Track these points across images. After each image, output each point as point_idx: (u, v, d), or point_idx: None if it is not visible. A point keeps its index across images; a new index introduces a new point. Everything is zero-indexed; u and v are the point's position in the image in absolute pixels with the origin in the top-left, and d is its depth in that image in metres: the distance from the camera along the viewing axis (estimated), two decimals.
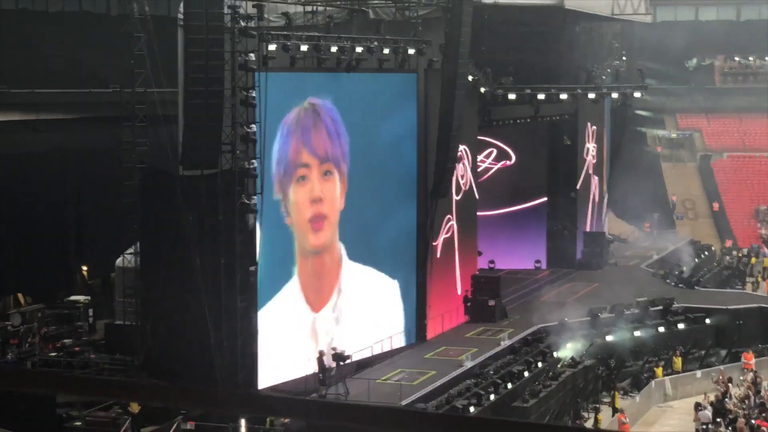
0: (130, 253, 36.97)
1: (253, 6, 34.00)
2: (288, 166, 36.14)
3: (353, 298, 39.11)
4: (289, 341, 35.98)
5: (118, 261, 39.40)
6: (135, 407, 33.45)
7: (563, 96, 51.99)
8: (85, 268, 47.12)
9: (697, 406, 37.64)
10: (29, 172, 45.35)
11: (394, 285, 41.22)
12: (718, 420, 36.73)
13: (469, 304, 45.55)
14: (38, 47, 46.83)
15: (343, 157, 38.38)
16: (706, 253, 63.74)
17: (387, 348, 40.19)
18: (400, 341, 41.06)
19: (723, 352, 46.01)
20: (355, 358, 37.43)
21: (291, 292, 36.47)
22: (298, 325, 36.82)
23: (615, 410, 38.42)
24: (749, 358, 43.40)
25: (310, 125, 36.98)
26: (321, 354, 35.46)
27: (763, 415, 35.63)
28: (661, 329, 45.56)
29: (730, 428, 35.82)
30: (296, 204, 36.65)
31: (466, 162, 46.73)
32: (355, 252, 39.18)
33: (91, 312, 43.00)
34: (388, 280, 40.95)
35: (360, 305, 39.46)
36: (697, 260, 60.63)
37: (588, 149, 59.57)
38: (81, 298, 43.78)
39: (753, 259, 64.29)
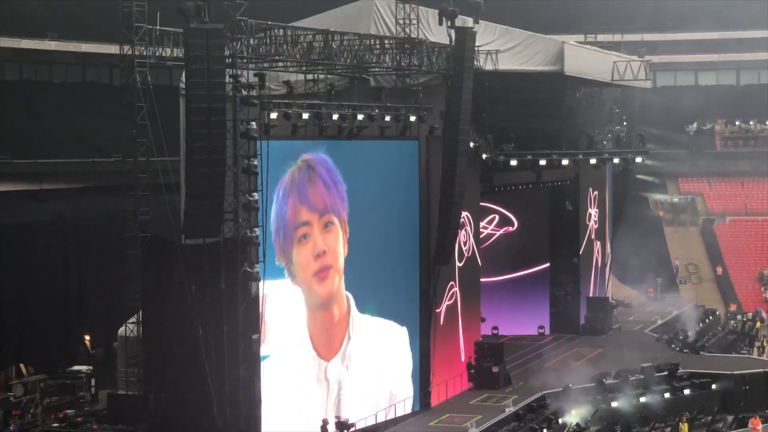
0: (133, 323, 36.83)
1: (255, 75, 34.14)
2: (287, 230, 36.16)
3: (363, 346, 39.36)
4: (297, 399, 35.80)
5: (121, 330, 39.25)
6: None
7: (565, 161, 52.10)
8: (87, 337, 46.97)
9: None
10: (32, 241, 45.40)
11: (404, 331, 41.28)
12: None
13: (472, 370, 45.33)
14: (41, 117, 47.14)
15: (342, 203, 38.41)
16: (711, 317, 63.52)
17: (391, 416, 39.95)
18: (404, 409, 40.80)
19: (730, 418, 45.66)
20: (359, 426, 37.17)
21: (301, 349, 36.79)
22: (309, 376, 37.08)
23: None
24: (756, 424, 43.06)
25: (305, 181, 36.95)
26: (324, 422, 35.23)
27: None
28: (667, 395, 45.29)
29: None
30: (300, 264, 36.72)
31: (468, 228, 46.74)
32: (363, 303, 39.38)
33: (93, 382, 42.78)
34: (397, 327, 40.97)
35: (370, 353, 39.72)
36: (701, 325, 60.40)
37: (590, 214, 59.61)
38: (83, 368, 43.59)
39: (758, 324, 64.03)
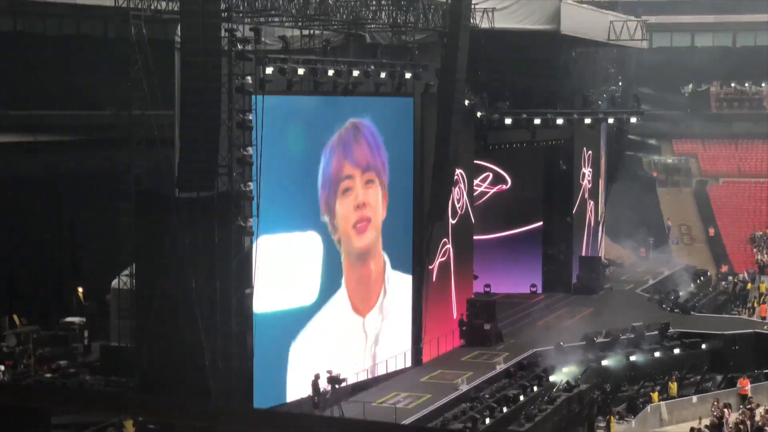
0: (126, 275, 36.94)
1: (251, 29, 34.08)
2: (332, 184, 37.93)
3: (396, 302, 41.63)
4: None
5: (114, 283, 39.34)
6: (130, 429, 33.36)
7: (559, 121, 52.12)
8: (80, 289, 47.04)
9: (692, 431, 37.59)
10: (25, 193, 45.34)
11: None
12: None
13: (464, 327, 45.53)
14: (36, 69, 46.92)
15: (383, 168, 40.35)
16: (702, 278, 63.75)
17: (382, 371, 40.18)
18: (395, 364, 41.02)
19: (719, 378, 45.97)
20: (351, 381, 37.40)
21: (340, 300, 38.69)
22: (347, 327, 39.17)
23: None
24: (745, 384, 43.36)
25: (351, 140, 38.80)
26: (316, 377, 35.43)
27: None
28: (657, 354, 45.55)
29: None
30: (342, 216, 38.53)
31: (462, 186, 46.79)
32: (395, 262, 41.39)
33: (86, 334, 42.91)
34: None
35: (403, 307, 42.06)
36: (692, 285, 60.63)
37: (584, 174, 59.67)
38: (76, 319, 43.68)
39: (749, 285, 64.29)
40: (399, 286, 41.69)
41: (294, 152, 36.56)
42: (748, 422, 38.10)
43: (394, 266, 41.28)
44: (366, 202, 39.47)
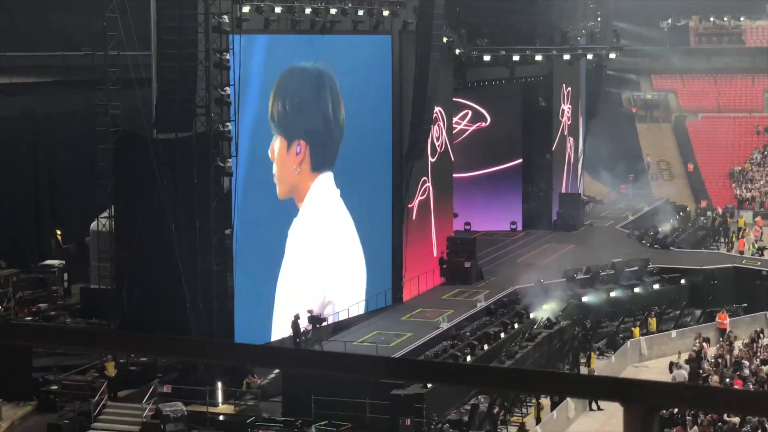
0: (105, 217, 36.80)
1: None
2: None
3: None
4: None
5: (93, 225, 39.20)
6: (111, 370, 33.42)
7: (538, 57, 51.91)
8: (59, 232, 46.87)
9: (672, 366, 37.83)
10: (1, 136, 45.00)
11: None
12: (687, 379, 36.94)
13: (444, 265, 45.60)
14: (9, 10, 46.37)
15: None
16: (681, 213, 63.97)
17: (363, 310, 40.26)
18: (376, 303, 41.09)
19: (698, 312, 46.22)
20: (331, 320, 37.47)
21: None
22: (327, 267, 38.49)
23: (590, 371, 38.59)
24: (723, 318, 43.61)
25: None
26: (296, 317, 35.47)
27: (738, 374, 35.84)
28: (637, 290, 45.75)
29: None
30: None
31: (441, 124, 46.66)
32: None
33: (66, 276, 42.81)
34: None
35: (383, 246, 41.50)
36: (672, 221, 60.83)
37: (563, 110, 59.59)
38: (56, 262, 43.55)
39: (728, 219, 64.56)
40: (377, 225, 41.45)
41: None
42: (727, 356, 38.37)
43: (373, 206, 40.83)
44: None
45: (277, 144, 36.96)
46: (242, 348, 3.64)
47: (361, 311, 40.23)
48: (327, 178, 39.36)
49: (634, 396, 3.15)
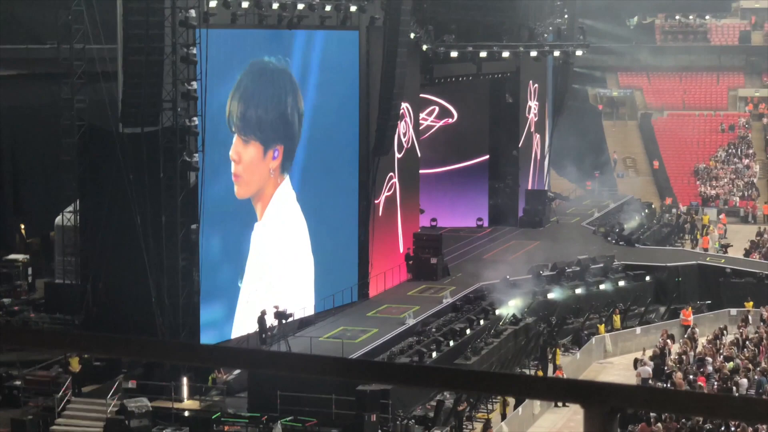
0: (70, 212, 36.60)
1: None
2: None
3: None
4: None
5: (58, 219, 38.98)
6: (76, 366, 33.25)
7: (505, 54, 51.95)
8: (23, 226, 46.60)
9: (636, 362, 38.03)
10: None
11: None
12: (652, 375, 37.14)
13: (411, 262, 45.64)
14: None
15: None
16: (647, 210, 64.31)
17: (329, 306, 40.21)
18: (342, 299, 41.07)
19: (662, 309, 46.50)
20: (297, 316, 37.43)
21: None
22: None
23: (555, 367, 38.75)
24: (687, 315, 43.89)
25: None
26: (263, 313, 35.41)
27: (701, 371, 36.06)
28: (602, 286, 45.96)
29: (668, 384, 36.23)
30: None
31: (408, 120, 46.68)
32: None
33: (30, 271, 42.57)
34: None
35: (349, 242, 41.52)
36: (637, 218, 61.14)
37: (530, 107, 59.74)
38: (20, 256, 43.29)
39: (693, 216, 64.97)
40: (343, 221, 41.55)
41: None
42: (691, 353, 38.61)
43: (339, 201, 40.96)
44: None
45: (249, 146, 36.96)
46: (203, 348, 3.63)
47: (327, 307, 40.09)
48: (291, 177, 39.31)
49: (594, 398, 3.16)
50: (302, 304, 38.63)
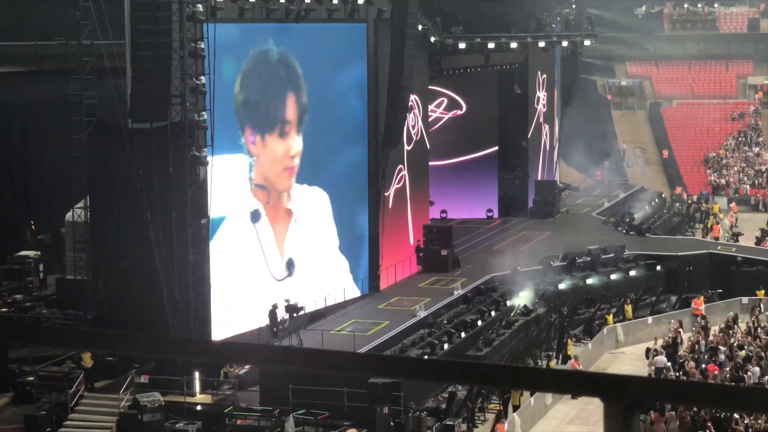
0: (80, 208, 36.62)
1: None
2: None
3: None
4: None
5: (68, 215, 39.01)
6: (88, 361, 33.30)
7: (513, 45, 51.90)
8: (33, 222, 46.65)
9: (648, 352, 37.96)
10: None
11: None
12: (668, 364, 37.05)
13: (421, 254, 45.61)
14: None
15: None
16: (657, 200, 64.20)
17: (340, 299, 40.22)
18: (353, 292, 41.08)
19: (673, 298, 46.41)
20: (308, 309, 37.43)
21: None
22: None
23: (567, 357, 38.69)
24: (699, 304, 43.79)
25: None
26: (274, 307, 35.41)
27: (713, 360, 35.99)
28: (613, 276, 45.88)
29: (680, 373, 36.18)
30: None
31: (416, 112, 46.63)
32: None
33: (41, 267, 42.62)
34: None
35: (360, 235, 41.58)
36: (647, 207, 61.04)
37: (538, 97, 59.64)
38: (31, 253, 43.34)
39: (703, 205, 64.83)
40: (353, 214, 41.47)
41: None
42: (703, 341, 38.53)
43: (349, 194, 40.95)
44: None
45: (257, 140, 37.17)
46: (211, 344, 3.61)
47: (338, 300, 40.13)
48: (300, 170, 39.32)
49: (615, 391, 3.14)
50: (313, 297, 38.62)
